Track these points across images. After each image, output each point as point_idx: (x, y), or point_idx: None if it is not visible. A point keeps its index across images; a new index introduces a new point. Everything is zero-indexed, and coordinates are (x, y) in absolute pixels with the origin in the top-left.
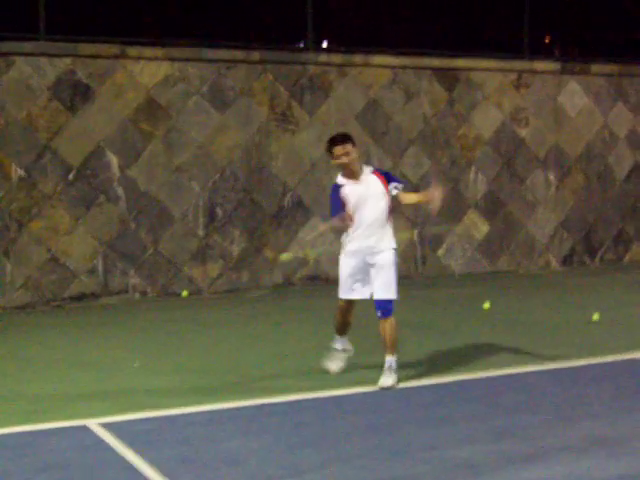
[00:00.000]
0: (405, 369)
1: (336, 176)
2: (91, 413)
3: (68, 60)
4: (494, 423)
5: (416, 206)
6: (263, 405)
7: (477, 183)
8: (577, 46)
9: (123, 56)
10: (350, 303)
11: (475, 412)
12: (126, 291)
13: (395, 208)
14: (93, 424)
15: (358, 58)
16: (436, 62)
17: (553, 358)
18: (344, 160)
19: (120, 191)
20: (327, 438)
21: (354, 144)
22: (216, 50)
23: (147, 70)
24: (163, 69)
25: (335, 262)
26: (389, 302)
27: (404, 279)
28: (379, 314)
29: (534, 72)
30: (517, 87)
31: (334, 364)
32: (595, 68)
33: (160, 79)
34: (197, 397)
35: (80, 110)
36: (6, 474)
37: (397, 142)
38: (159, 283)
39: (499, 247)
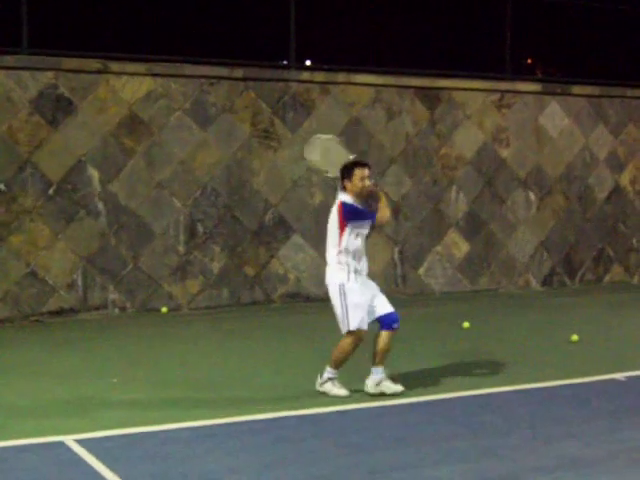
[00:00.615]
0: None
1: (316, 194)
2: (68, 429)
3: (50, 74)
4: (472, 443)
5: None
6: (241, 422)
7: (458, 202)
8: (558, 67)
9: (106, 71)
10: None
11: (454, 431)
12: (105, 306)
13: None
14: (69, 440)
15: (341, 76)
16: (418, 81)
17: (532, 378)
18: (366, 183)
19: (101, 206)
20: (304, 457)
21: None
22: (199, 66)
23: (129, 85)
24: (145, 85)
25: (318, 278)
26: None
27: None
28: (396, 325)
29: (516, 93)
30: (499, 107)
31: (342, 389)
32: (576, 89)
33: (142, 95)
34: (175, 413)
35: (62, 124)
36: None
37: (378, 161)
38: (139, 299)
39: (479, 266)
